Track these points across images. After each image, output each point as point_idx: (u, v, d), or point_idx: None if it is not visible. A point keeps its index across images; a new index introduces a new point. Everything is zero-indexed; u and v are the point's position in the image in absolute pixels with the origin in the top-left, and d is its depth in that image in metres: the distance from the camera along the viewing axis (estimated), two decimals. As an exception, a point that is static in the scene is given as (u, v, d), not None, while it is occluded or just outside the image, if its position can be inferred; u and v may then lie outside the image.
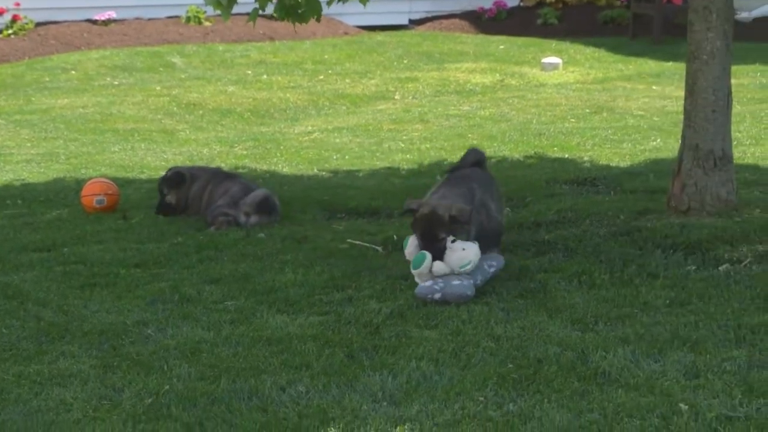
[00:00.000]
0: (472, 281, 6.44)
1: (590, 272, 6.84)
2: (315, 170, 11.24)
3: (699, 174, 7.97)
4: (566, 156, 11.34)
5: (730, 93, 8.00)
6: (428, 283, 6.42)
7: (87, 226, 8.57)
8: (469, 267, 6.44)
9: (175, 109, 15.55)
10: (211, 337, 5.96)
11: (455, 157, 7.71)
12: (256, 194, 8.60)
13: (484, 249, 6.65)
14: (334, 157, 12.05)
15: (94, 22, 19.80)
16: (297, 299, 6.57)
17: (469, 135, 13.05)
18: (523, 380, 5.23)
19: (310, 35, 20.32)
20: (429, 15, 22.25)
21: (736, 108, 10.77)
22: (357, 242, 7.82)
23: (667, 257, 7.11)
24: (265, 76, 17.74)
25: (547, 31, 21.18)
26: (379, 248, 7.67)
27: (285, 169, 11.37)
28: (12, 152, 12.52)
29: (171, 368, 5.52)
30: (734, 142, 8.51)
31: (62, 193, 9.91)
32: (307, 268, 7.18)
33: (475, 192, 6.94)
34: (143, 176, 10.88)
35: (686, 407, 4.87)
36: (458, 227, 6.53)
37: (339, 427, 4.81)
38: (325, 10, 8.13)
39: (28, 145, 13.13)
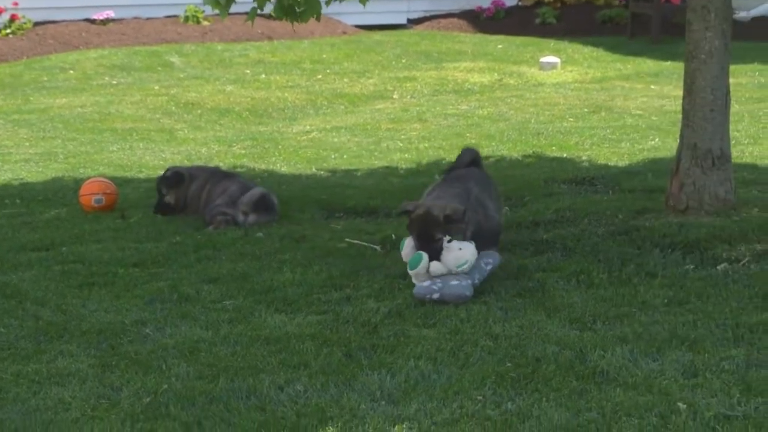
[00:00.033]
0: (470, 281, 6.44)
1: (588, 271, 6.84)
2: (313, 169, 11.24)
3: (697, 173, 7.97)
4: (564, 155, 11.34)
5: (728, 92, 8.00)
6: (426, 283, 6.42)
7: (85, 226, 8.56)
8: (466, 267, 6.44)
9: (173, 108, 15.55)
10: (210, 336, 5.96)
11: (453, 156, 7.72)
12: (253, 193, 8.59)
13: (482, 248, 6.65)
14: (333, 156, 12.05)
15: (93, 21, 19.80)
16: (295, 298, 6.57)
17: (468, 134, 13.05)
18: (521, 379, 5.23)
19: (309, 35, 20.32)
20: (427, 14, 22.25)
21: (735, 107, 10.75)
22: (355, 241, 7.82)
23: (665, 256, 7.11)
24: (263, 76, 17.74)
25: (545, 31, 21.18)
26: (378, 247, 7.67)
27: (283, 168, 11.37)
28: (10, 151, 12.52)
29: (169, 367, 5.52)
30: (732, 142, 8.51)
31: (60, 193, 9.91)
32: (306, 268, 7.18)
33: (471, 191, 6.94)
34: (141, 175, 10.88)
35: (684, 406, 4.87)
36: (454, 227, 6.53)
37: (337, 426, 4.81)
38: (324, 9, 8.13)
39: (27, 144, 13.12)
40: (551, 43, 20.26)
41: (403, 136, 13.23)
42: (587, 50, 19.62)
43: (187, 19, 20.32)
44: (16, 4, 19.05)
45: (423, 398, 5.06)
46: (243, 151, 12.55)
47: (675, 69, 16.81)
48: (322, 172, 11.06)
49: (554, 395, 5.05)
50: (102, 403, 5.14)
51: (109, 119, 14.73)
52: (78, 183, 9.87)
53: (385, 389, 5.16)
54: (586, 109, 14.46)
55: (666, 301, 6.30)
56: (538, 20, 21.55)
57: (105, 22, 19.79)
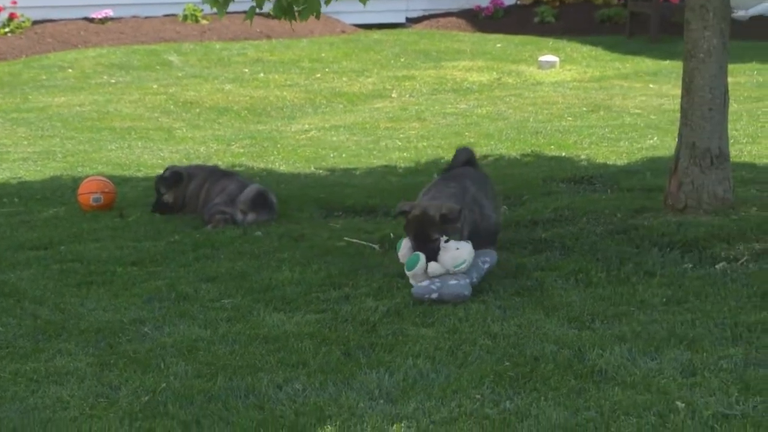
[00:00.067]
0: (468, 280, 6.44)
1: (587, 270, 6.84)
2: (312, 168, 11.23)
3: (696, 172, 7.97)
4: (563, 154, 11.34)
5: (726, 91, 8.00)
6: (425, 283, 6.42)
7: (84, 224, 8.56)
8: (464, 266, 6.44)
9: (172, 107, 15.55)
10: (208, 335, 5.96)
11: (452, 155, 7.72)
12: (249, 191, 8.57)
13: (480, 247, 6.65)
14: (331, 155, 12.04)
15: (91, 20, 19.79)
16: (294, 297, 6.57)
17: (466, 133, 13.05)
18: (519, 378, 5.24)
19: (308, 33, 20.32)
20: (426, 13, 22.25)
21: (733, 106, 10.76)
22: (354, 240, 7.82)
23: (663, 255, 7.11)
24: (262, 75, 17.73)
25: (544, 30, 21.18)
26: (376, 246, 7.67)
27: (282, 167, 11.37)
28: (9, 150, 12.51)
29: (168, 366, 5.52)
30: (731, 141, 8.52)
31: (59, 191, 9.91)
32: (304, 266, 7.18)
33: (467, 190, 6.93)
34: (140, 174, 10.87)
35: (683, 405, 4.87)
36: (450, 227, 6.53)
37: (336, 425, 4.81)
38: (323, 8, 8.13)
39: (25, 143, 13.12)
40: (550, 42, 20.26)
41: (401, 135, 13.23)
42: (586, 49, 19.62)
43: (185, 17, 20.32)
44: (14, 2, 19.05)
45: (421, 397, 5.06)
46: (242, 150, 12.54)
47: (673, 68, 16.82)
48: (320, 171, 11.05)
49: (553, 394, 5.05)
50: (100, 402, 5.14)
51: (107, 118, 14.73)
52: (76, 182, 9.86)
53: (384, 388, 5.16)
54: (584, 108, 14.46)
55: (664, 300, 6.30)
56: (536, 19, 21.55)
57: (103, 20, 19.79)
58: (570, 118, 13.77)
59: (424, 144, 12.48)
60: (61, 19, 19.60)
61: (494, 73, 17.83)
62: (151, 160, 11.84)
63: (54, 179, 10.64)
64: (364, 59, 19.06)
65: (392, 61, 18.96)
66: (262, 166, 11.38)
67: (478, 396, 5.05)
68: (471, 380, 5.21)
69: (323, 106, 16.02)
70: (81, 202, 9.15)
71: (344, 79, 17.61)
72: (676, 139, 8.21)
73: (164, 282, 6.95)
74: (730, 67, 8.34)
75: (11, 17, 19.03)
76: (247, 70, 18.02)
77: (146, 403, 5.10)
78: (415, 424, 4.79)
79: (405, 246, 6.62)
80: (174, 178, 8.92)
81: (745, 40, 18.74)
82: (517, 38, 20.57)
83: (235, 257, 7.50)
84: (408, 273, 6.49)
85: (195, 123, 14.83)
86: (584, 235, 7.66)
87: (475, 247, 6.57)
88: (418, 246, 6.51)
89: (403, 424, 4.79)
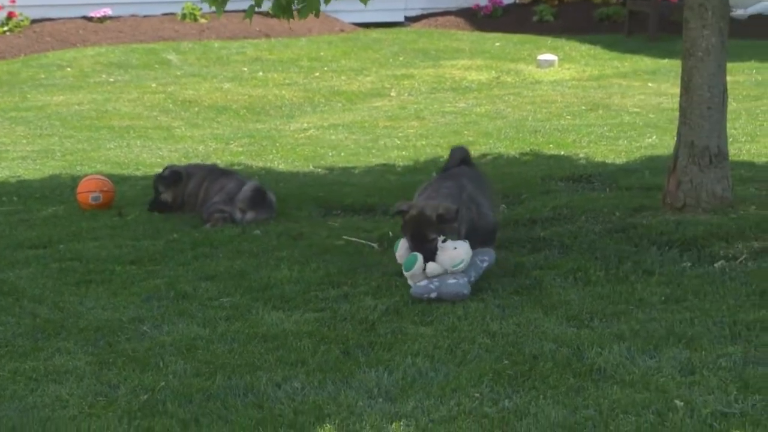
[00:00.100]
0: (467, 279, 6.44)
1: (585, 269, 6.84)
2: (311, 167, 11.23)
3: (694, 171, 7.97)
4: (562, 153, 11.34)
5: (725, 90, 8.00)
6: (424, 282, 6.42)
7: (82, 223, 8.56)
8: (462, 266, 6.44)
9: (170, 106, 15.55)
10: (207, 333, 5.96)
11: (451, 154, 7.74)
12: (247, 189, 8.56)
13: (479, 246, 6.65)
14: (330, 154, 12.04)
15: (90, 19, 19.78)
16: (292, 296, 6.57)
17: (465, 132, 13.05)
18: (518, 376, 5.24)
19: (306, 32, 20.31)
20: (425, 12, 22.24)
21: (732, 105, 10.77)
22: (353, 239, 7.82)
23: (662, 254, 7.12)
24: (260, 73, 17.73)
25: (542, 28, 21.17)
26: (375, 245, 7.67)
27: (281, 166, 11.37)
28: (7, 149, 12.51)
29: (166, 365, 5.53)
30: (730, 139, 8.52)
31: (58, 190, 9.90)
32: (303, 265, 7.18)
33: (464, 189, 6.93)
34: (139, 173, 10.87)
35: (681, 403, 4.88)
36: (447, 227, 6.52)
37: (334, 424, 4.81)
38: (323, 7, 8.12)
39: (24, 142, 13.12)
40: (549, 40, 20.26)
41: (400, 134, 13.23)
42: (585, 48, 19.62)
43: (184, 16, 20.31)
44: (13, 1, 19.04)
45: (420, 395, 5.06)
46: (240, 149, 12.54)
47: (672, 67, 16.82)
48: (319, 170, 11.05)
49: (551, 393, 5.05)
50: (99, 401, 5.14)
51: (106, 117, 14.73)
52: (75, 180, 9.86)
53: (383, 386, 5.17)
54: (583, 107, 14.47)
55: (663, 298, 6.30)
56: (535, 18, 21.54)
57: (102, 19, 19.78)
58: (569, 117, 13.77)
59: (423, 143, 12.48)
60: (59, 18, 19.59)
61: (493, 71, 17.82)
62: (149, 158, 11.84)
63: (53, 178, 10.64)
64: (363, 58, 19.05)
65: (391, 60, 18.96)
66: (260, 164, 11.38)
67: (477, 394, 5.05)
68: (470, 379, 5.22)
69: (322, 104, 16.02)
70: (80, 200, 9.15)
71: (343, 77, 17.61)
72: (675, 138, 8.22)
73: (163, 281, 6.95)
74: (729, 65, 8.34)
75: (10, 16, 19.02)
76: (245, 69, 18.02)
77: (145, 402, 5.10)
78: (414, 423, 4.79)
79: (402, 247, 6.61)
80: (173, 177, 8.92)
81: (744, 38, 18.74)
82: (516, 37, 20.57)
83: (234, 256, 7.50)
84: (406, 274, 6.49)
85: (194, 122, 14.83)
86: (583, 233, 7.67)
87: (474, 245, 6.57)
88: (415, 246, 6.50)
89: (402, 423, 4.79)
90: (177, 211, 8.85)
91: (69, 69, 17.72)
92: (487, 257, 6.68)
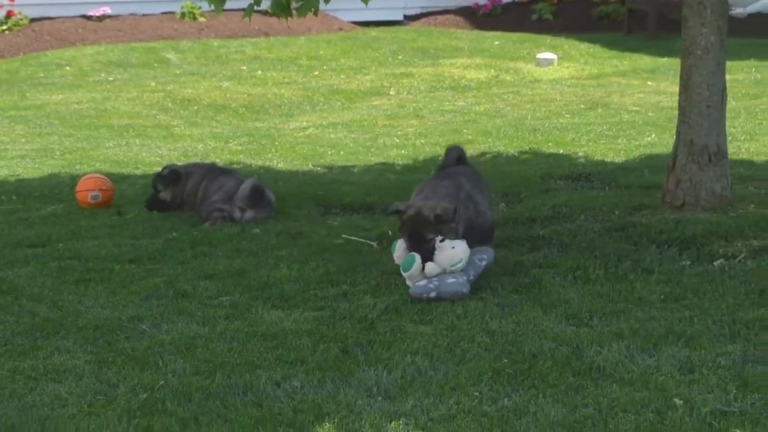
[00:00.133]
0: (466, 278, 6.44)
1: (585, 267, 6.84)
2: (310, 166, 11.23)
3: (694, 169, 7.97)
4: (561, 151, 11.34)
5: (724, 88, 8.00)
6: (423, 282, 6.41)
7: (81, 222, 8.56)
8: (460, 265, 6.44)
9: (169, 104, 15.54)
10: (206, 332, 5.96)
11: (449, 153, 7.74)
12: (245, 187, 8.55)
13: (477, 245, 6.65)
14: (329, 152, 12.04)
15: (89, 17, 19.77)
16: (292, 295, 6.57)
17: (464, 130, 13.05)
18: (518, 375, 5.24)
19: (305, 31, 20.31)
20: (424, 11, 22.24)
21: (731, 103, 10.76)
22: (352, 238, 7.82)
23: (661, 252, 7.11)
24: (259, 72, 17.73)
25: (541, 27, 21.17)
26: (374, 244, 7.67)
27: (280, 164, 11.37)
28: (6, 148, 12.51)
29: (166, 363, 5.52)
30: (729, 138, 8.52)
31: (57, 189, 9.90)
32: (302, 264, 7.18)
33: (461, 187, 6.92)
34: (138, 172, 10.87)
35: (681, 402, 4.88)
36: (444, 226, 6.52)
37: (334, 422, 4.81)
38: (322, 6, 8.11)
39: (23, 140, 13.12)
40: (548, 39, 20.25)
41: (399, 133, 13.23)
42: (584, 46, 19.61)
43: (183, 15, 20.31)
44: (12, 0, 19.03)
45: (419, 394, 5.06)
46: (239, 148, 12.54)
47: (671, 65, 16.82)
48: (318, 169, 11.05)
49: (551, 391, 5.05)
50: (98, 400, 5.14)
51: (105, 115, 14.72)
52: (74, 179, 9.86)
53: (382, 385, 5.17)
54: (582, 106, 14.47)
55: (662, 297, 6.30)
56: (534, 16, 21.54)
57: (101, 18, 19.77)
58: (568, 116, 13.77)
59: (422, 141, 12.48)
60: (58, 17, 19.59)
61: (492, 70, 17.82)
62: (149, 157, 11.84)
63: (52, 177, 10.64)
64: (362, 57, 19.05)
65: (390, 59, 18.96)
66: (260, 163, 11.38)
67: (476, 393, 5.05)
68: (469, 377, 5.22)
69: (321, 103, 16.01)
70: (79, 199, 9.14)
71: (342, 76, 17.61)
72: (674, 137, 8.21)
73: (162, 279, 6.95)
74: (728, 64, 8.34)
75: (9, 15, 19.01)
76: (245, 68, 18.01)
77: (144, 401, 5.10)
78: (413, 421, 4.79)
79: (400, 247, 6.61)
80: (172, 176, 8.91)
81: (743, 37, 18.73)
82: (515, 35, 20.57)
83: (233, 254, 7.50)
84: (404, 274, 6.48)
85: (193, 120, 14.83)
86: (582, 232, 7.66)
87: (471, 244, 6.56)
88: (413, 247, 6.50)
89: (401, 422, 4.79)
90: (176, 210, 8.85)
91: (68, 68, 17.71)
92: (486, 255, 6.68)
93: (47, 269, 7.26)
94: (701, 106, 7.92)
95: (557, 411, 4.84)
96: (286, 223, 8.37)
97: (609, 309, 6.12)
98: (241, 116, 15.21)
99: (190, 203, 8.85)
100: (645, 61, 18.39)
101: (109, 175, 9.81)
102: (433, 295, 6.33)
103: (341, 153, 11.98)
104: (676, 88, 8.55)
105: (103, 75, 17.42)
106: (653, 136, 12.01)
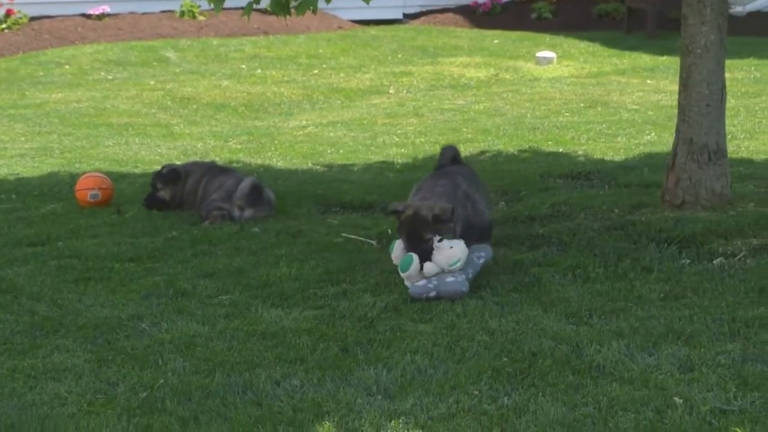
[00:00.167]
0: (465, 276, 6.43)
1: (584, 266, 6.84)
2: (309, 164, 11.23)
3: (693, 168, 7.97)
4: (560, 150, 11.34)
5: (724, 87, 8.00)
6: (422, 282, 6.41)
7: (81, 221, 8.55)
8: (459, 264, 6.43)
9: (169, 103, 15.54)
10: (206, 331, 5.96)
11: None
12: (243, 186, 8.55)
13: (475, 243, 6.64)
14: (329, 151, 12.04)
15: (88, 16, 19.77)
16: (291, 293, 6.57)
17: (464, 129, 13.05)
18: (517, 374, 5.24)
19: (305, 29, 20.30)
20: (423, 9, 22.24)
21: (731, 102, 10.76)
22: (352, 236, 7.82)
23: (661, 251, 7.11)
24: (259, 71, 17.72)
25: (541, 26, 21.17)
26: (374, 242, 7.66)
27: (279, 163, 11.36)
28: (6, 147, 12.51)
29: (165, 362, 5.52)
30: (728, 136, 8.52)
31: (56, 188, 9.90)
32: (302, 263, 7.18)
33: (458, 187, 6.92)
34: (137, 170, 10.87)
35: (681, 401, 4.88)
36: (442, 226, 6.51)
37: (333, 421, 4.81)
38: (322, 4, 8.11)
39: (22, 139, 13.11)
40: (547, 37, 20.25)
41: (399, 131, 13.23)
42: (583, 45, 19.61)
43: (182, 14, 20.30)
44: (11, -1, 19.04)
45: (419, 393, 5.06)
46: (239, 146, 12.54)
47: (671, 64, 16.82)
48: (318, 167, 11.05)
49: (550, 390, 5.05)
50: (98, 398, 5.14)
51: (104, 114, 14.72)
52: (74, 178, 9.86)
53: (382, 384, 5.16)
54: (582, 104, 14.47)
55: (662, 295, 6.30)
56: (534, 15, 21.54)
57: (101, 17, 19.76)
58: (567, 114, 13.77)
59: (422, 140, 12.48)
60: (58, 16, 19.58)
61: (491, 69, 17.82)
62: (148, 156, 11.83)
63: (51, 175, 10.64)
64: (362, 55, 19.05)
65: (389, 57, 18.95)
66: (259, 162, 11.37)
67: (476, 392, 5.05)
68: (469, 376, 5.21)
69: (320, 102, 16.01)
70: (78, 198, 9.14)
71: (341, 75, 17.60)
72: (674, 135, 8.21)
73: (162, 278, 6.95)
74: (728, 62, 8.34)
75: (8, 13, 19.00)
76: (244, 66, 18.01)
77: (144, 400, 5.10)
78: (413, 420, 4.79)
79: (398, 247, 6.60)
80: (171, 175, 8.91)
81: (743, 35, 18.73)
82: (515, 34, 20.57)
83: (233, 253, 7.50)
84: (402, 275, 6.48)
85: (192, 119, 14.83)
86: (581, 230, 7.66)
87: (469, 243, 6.56)
88: (411, 247, 6.49)
89: (401, 420, 4.79)
90: (176, 209, 8.85)
91: (67, 66, 17.71)
92: (484, 253, 6.68)
93: (47, 268, 7.26)
94: (701, 105, 7.92)
95: (557, 409, 4.84)
96: (285, 222, 8.36)
97: (608, 307, 6.12)
98: (241, 115, 15.21)
99: (190, 202, 8.85)
100: (644, 59, 18.39)
101: (108, 173, 9.81)
102: (432, 294, 6.33)
103: (341, 152, 11.98)
104: (675, 87, 8.55)
105: (102, 73, 17.42)
106: (653, 134, 12.01)
